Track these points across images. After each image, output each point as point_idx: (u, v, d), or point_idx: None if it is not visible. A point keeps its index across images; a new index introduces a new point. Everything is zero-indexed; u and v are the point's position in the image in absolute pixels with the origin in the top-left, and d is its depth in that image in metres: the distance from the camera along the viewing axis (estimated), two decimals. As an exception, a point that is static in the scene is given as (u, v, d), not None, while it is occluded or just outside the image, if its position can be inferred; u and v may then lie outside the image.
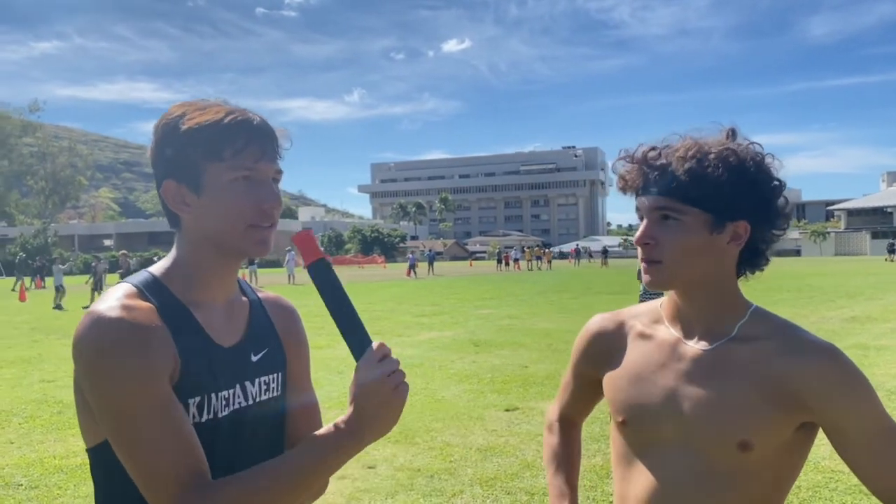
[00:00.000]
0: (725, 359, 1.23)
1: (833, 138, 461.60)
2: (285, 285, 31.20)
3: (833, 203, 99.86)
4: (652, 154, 1.22)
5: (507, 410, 6.67)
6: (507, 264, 48.10)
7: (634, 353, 1.33)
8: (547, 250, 59.08)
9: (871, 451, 1.17)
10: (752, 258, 1.27)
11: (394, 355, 1.10)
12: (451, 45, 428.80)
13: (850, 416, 1.17)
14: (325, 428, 1.10)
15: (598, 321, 1.44)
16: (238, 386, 1.18)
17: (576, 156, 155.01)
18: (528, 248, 62.95)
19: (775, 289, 21.86)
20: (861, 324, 12.56)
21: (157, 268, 1.19)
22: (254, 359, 1.22)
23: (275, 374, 1.26)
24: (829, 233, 77.76)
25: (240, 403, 1.18)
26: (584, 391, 1.49)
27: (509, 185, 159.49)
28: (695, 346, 1.26)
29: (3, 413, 7.00)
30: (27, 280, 33.15)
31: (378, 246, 79.55)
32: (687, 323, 1.29)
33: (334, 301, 1.10)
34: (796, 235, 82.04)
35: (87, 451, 1.15)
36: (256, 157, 1.12)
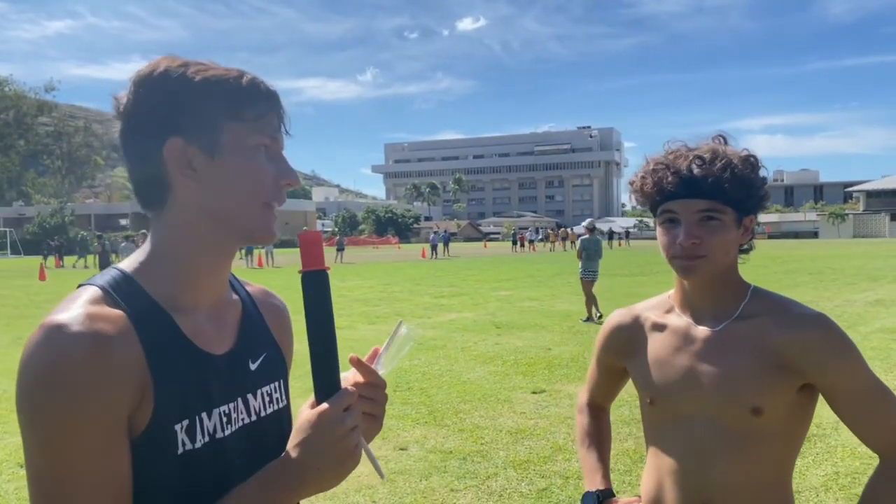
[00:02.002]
0: (732, 336, 1.39)
1: (853, 118, 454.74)
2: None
3: (852, 185, 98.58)
4: (697, 162, 1.35)
5: (535, 393, 6.66)
6: (522, 245, 47.99)
7: (653, 342, 1.49)
8: (571, 231, 58.79)
9: (859, 406, 1.34)
10: (747, 244, 1.45)
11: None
12: (466, 24, 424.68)
13: (840, 376, 1.33)
14: (259, 477, 0.92)
15: (616, 317, 1.60)
16: (240, 400, 1.01)
17: (591, 136, 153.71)
18: (552, 229, 63.14)
19: (796, 271, 21.69)
20: (886, 307, 12.41)
21: (130, 263, 0.98)
22: (252, 367, 1.05)
23: (277, 383, 1.10)
24: (847, 215, 76.60)
25: (243, 420, 1.01)
26: (609, 379, 1.67)
27: (523, 165, 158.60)
28: (705, 329, 1.42)
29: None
30: (51, 259, 33.54)
31: (392, 227, 79.61)
32: (697, 309, 1.45)
33: (320, 321, 0.94)
34: (814, 217, 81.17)
35: None
36: (277, 125, 0.99)
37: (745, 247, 1.45)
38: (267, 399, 1.06)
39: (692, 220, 1.35)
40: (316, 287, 0.94)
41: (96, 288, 0.93)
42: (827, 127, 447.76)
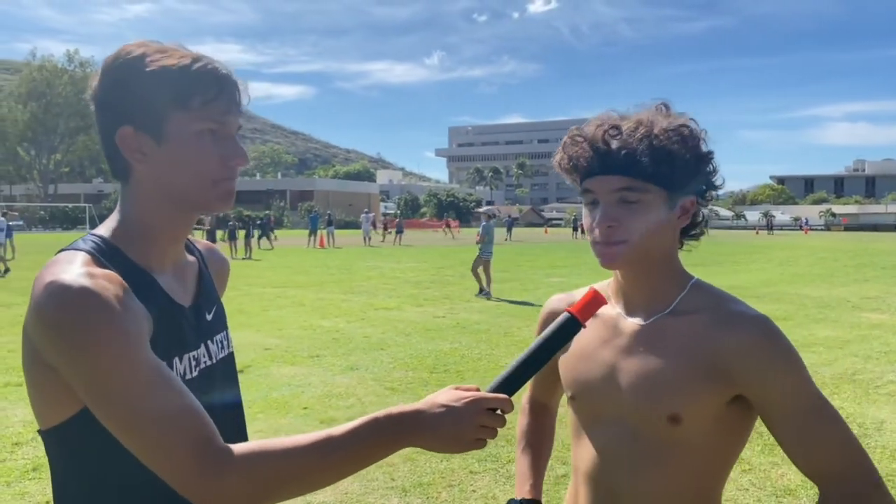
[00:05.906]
0: (661, 333, 1.23)
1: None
2: (361, 247, 31.80)
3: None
4: (611, 132, 1.18)
5: (570, 380, 6.62)
6: (582, 232, 47.22)
7: (582, 332, 1.28)
8: None
9: (797, 427, 1.15)
10: (691, 230, 1.28)
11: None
12: (537, 6, 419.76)
13: (779, 390, 1.15)
14: (379, 416, 1.00)
15: (553, 302, 1.47)
16: (203, 345, 1.15)
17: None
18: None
19: (867, 265, 20.74)
20: (959, 306, 11.75)
21: (105, 230, 1.09)
22: (208, 317, 1.19)
23: (224, 331, 1.25)
24: (933, 207, 72.51)
25: (205, 363, 1.15)
26: (548, 370, 1.35)
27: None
28: (634, 322, 1.27)
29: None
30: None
31: (453, 210, 79.80)
32: (629, 299, 1.30)
33: (545, 349, 1.11)
34: (896, 210, 77.09)
35: (46, 431, 1.03)
36: (224, 109, 1.06)
37: (694, 232, 1.28)
38: (219, 345, 1.21)
39: (609, 201, 1.19)
40: (565, 328, 1.12)
41: (84, 253, 1.01)
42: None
